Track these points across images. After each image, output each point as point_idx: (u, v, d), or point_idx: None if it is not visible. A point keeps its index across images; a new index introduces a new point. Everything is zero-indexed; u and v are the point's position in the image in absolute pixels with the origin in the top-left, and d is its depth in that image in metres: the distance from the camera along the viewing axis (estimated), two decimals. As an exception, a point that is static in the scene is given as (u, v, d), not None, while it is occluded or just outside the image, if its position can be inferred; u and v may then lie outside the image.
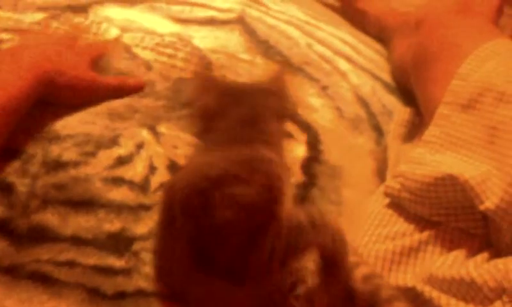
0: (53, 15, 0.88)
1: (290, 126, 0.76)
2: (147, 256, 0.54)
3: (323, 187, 0.72)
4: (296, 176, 0.71)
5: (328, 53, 0.93)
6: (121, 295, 0.51)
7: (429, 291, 0.53)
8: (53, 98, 0.65)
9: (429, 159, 0.63)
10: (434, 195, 0.59)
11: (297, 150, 0.74)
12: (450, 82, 0.68)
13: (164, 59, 0.82)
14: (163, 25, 0.90)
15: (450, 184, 0.58)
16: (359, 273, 0.51)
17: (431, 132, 0.66)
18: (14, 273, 0.50)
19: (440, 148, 0.64)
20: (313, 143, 0.75)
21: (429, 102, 0.72)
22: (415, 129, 0.80)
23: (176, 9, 0.95)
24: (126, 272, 0.52)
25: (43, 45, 0.68)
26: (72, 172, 0.59)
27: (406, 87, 0.89)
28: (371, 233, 0.62)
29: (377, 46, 1.05)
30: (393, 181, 0.65)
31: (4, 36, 0.80)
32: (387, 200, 0.65)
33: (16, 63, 0.61)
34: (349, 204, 0.71)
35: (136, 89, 0.75)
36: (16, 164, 0.57)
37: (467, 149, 0.62)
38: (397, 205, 0.64)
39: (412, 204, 0.62)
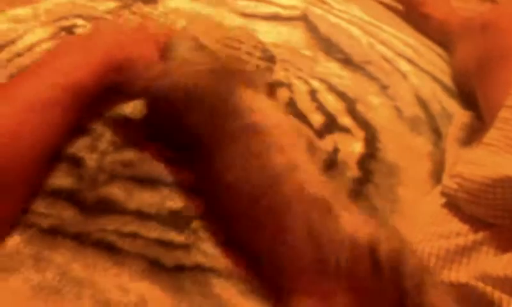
0: (125, 4, 0.92)
1: (348, 122, 0.77)
2: (205, 234, 0.56)
3: (378, 184, 0.72)
4: (352, 171, 0.72)
5: (389, 54, 0.93)
6: (180, 268, 0.53)
7: (482, 287, 0.53)
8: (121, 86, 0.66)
9: (488, 161, 0.63)
10: (492, 196, 0.59)
11: (354, 146, 0.75)
12: (514, 86, 0.67)
13: (230, 51, 0.84)
14: (229, 19, 0.92)
15: (508, 186, 0.58)
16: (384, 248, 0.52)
17: (492, 134, 0.66)
18: (81, 239, 0.53)
19: (499, 151, 0.64)
20: (371, 140, 0.76)
21: (491, 105, 0.71)
22: (474, 133, 0.79)
23: (241, 4, 0.97)
24: (185, 247, 0.55)
25: (115, 34, 0.70)
26: (139, 152, 0.62)
27: (466, 92, 0.88)
28: (426, 231, 0.62)
29: (439, 50, 1.05)
30: (450, 181, 0.65)
31: (78, 22, 0.85)
32: (443, 200, 0.65)
33: (88, 48, 0.63)
34: (404, 203, 0.71)
35: None
36: (86, 140, 0.60)
37: (528, 154, 0.61)
38: (452, 205, 0.64)
39: (468, 205, 0.62)
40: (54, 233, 0.52)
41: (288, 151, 0.58)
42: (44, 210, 0.54)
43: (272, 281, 0.54)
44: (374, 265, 0.51)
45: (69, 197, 0.56)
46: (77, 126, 0.61)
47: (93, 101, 0.61)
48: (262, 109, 0.60)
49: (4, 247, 0.51)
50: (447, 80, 0.93)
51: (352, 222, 0.54)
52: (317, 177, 0.58)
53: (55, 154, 0.58)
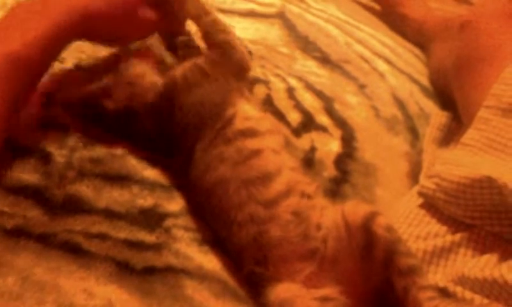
0: None
1: (325, 120, 0.75)
2: (178, 233, 0.54)
3: (355, 184, 0.71)
4: (329, 171, 0.71)
5: (367, 53, 0.92)
6: (150, 270, 0.51)
7: (461, 292, 0.52)
8: (90, 33, 0.59)
9: (467, 161, 0.62)
10: (470, 196, 0.58)
11: (331, 145, 0.73)
12: (492, 86, 0.67)
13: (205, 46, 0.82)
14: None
15: (487, 186, 0.57)
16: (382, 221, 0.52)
17: (470, 135, 0.65)
18: (46, 241, 0.50)
19: (478, 151, 0.63)
20: (348, 139, 0.75)
21: (470, 105, 0.71)
22: (451, 134, 0.79)
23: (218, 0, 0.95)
24: (156, 247, 0.53)
25: None
26: (109, 148, 0.59)
27: (443, 93, 0.88)
28: (403, 232, 0.61)
29: (416, 50, 1.04)
30: (428, 181, 0.64)
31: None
32: (420, 200, 0.64)
33: (38, 13, 0.54)
34: (381, 203, 0.70)
35: None
36: (55, 135, 0.58)
37: (507, 154, 0.60)
38: (430, 206, 0.63)
39: (446, 205, 0.61)
40: (18, 235, 0.49)
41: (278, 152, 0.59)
42: (8, 209, 0.51)
43: (253, 274, 0.53)
44: (367, 241, 0.52)
45: (35, 195, 0.53)
46: (21, 99, 0.55)
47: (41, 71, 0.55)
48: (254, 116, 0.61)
49: None
50: (424, 80, 0.93)
51: (339, 209, 0.56)
52: (302, 176, 0.59)
53: None
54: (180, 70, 0.62)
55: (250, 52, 0.83)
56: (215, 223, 0.56)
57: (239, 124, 0.58)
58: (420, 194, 0.65)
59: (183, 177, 0.59)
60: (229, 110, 0.59)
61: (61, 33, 0.55)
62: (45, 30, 0.53)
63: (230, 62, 0.64)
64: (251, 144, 0.57)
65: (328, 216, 0.55)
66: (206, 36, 0.67)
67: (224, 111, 0.59)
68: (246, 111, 0.60)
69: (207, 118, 0.59)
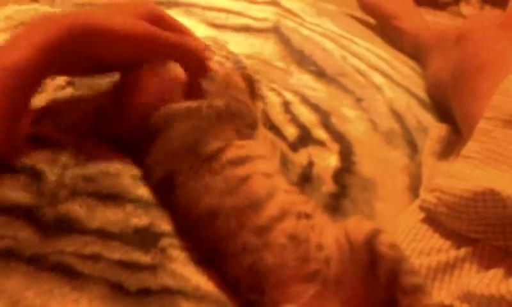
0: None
1: (322, 135, 0.74)
2: (174, 253, 0.52)
3: (355, 198, 0.70)
4: (327, 186, 0.69)
5: (363, 66, 0.92)
6: (145, 292, 0.49)
7: (468, 309, 0.51)
8: (88, 57, 0.55)
9: (468, 174, 0.61)
10: (473, 210, 0.57)
11: (329, 159, 0.72)
12: (492, 97, 0.65)
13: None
14: (199, 29, 0.89)
15: (490, 199, 0.56)
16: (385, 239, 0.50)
17: (471, 147, 0.64)
18: (37, 263, 0.48)
19: (480, 164, 0.62)
20: (346, 154, 0.73)
21: (469, 117, 0.69)
22: (450, 147, 0.78)
23: (212, 15, 0.95)
24: (151, 268, 0.51)
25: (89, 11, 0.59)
26: (102, 166, 0.57)
27: (441, 105, 0.87)
28: (405, 248, 0.60)
29: (412, 63, 1.04)
30: (429, 195, 0.63)
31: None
32: (422, 214, 0.63)
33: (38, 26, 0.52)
34: (382, 218, 0.69)
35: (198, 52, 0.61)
36: (46, 152, 0.56)
37: (509, 166, 0.59)
38: (432, 220, 0.62)
39: (449, 220, 0.59)
40: (7, 257, 0.47)
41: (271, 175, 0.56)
42: (-2, 229, 0.50)
43: (251, 302, 0.51)
44: (371, 260, 0.50)
45: (26, 214, 0.50)
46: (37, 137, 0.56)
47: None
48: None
49: None
50: (422, 93, 0.92)
51: (341, 227, 0.53)
52: (298, 196, 0.57)
53: None
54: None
55: (245, 67, 0.82)
56: (206, 254, 0.54)
57: (229, 154, 0.55)
58: (422, 208, 0.63)
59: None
60: (215, 144, 0.56)
61: (56, 48, 0.52)
62: (40, 46, 0.51)
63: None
64: (240, 171, 0.54)
65: (329, 235, 0.53)
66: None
67: (209, 145, 0.56)
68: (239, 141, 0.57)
69: (189, 149, 0.56)
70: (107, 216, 0.53)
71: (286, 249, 0.51)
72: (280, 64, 0.86)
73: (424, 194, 0.65)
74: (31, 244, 0.49)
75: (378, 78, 0.90)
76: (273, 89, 0.79)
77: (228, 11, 0.97)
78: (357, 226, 0.52)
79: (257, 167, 0.55)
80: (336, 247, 0.52)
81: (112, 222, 0.53)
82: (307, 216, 0.54)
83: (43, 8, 0.85)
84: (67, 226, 0.51)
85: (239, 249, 0.51)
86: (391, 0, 1.11)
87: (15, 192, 0.52)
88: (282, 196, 0.54)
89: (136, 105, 0.59)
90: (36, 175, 0.53)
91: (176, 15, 0.92)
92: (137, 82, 0.59)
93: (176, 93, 0.60)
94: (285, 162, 0.69)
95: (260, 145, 0.59)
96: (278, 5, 1.05)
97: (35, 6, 0.87)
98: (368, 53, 0.98)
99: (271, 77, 0.81)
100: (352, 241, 0.51)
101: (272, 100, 0.77)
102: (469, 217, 0.58)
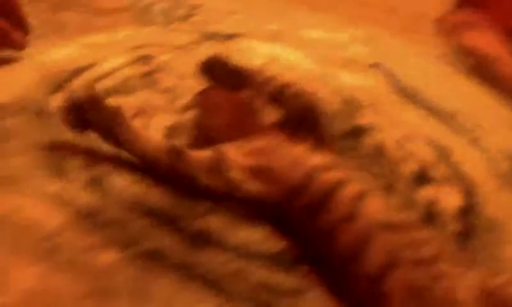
0: (198, 40, 0.90)
1: (442, 173, 0.71)
2: (314, 278, 0.50)
3: (482, 240, 0.66)
4: (452, 225, 0.66)
5: (474, 106, 0.89)
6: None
7: None
8: None
9: None
10: None
11: (451, 198, 0.69)
12: None
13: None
14: (305, 62, 0.89)
15: None
16: None
17: None
18: (183, 271, 0.46)
19: None
20: (468, 193, 0.70)
21: None
22: None
23: (316, 49, 0.95)
24: (296, 291, 0.48)
25: None
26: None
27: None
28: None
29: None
30: None
31: (154, 50, 0.82)
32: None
33: None
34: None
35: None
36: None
37: None
38: None
39: None
40: (155, 259, 0.47)
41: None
42: (143, 231, 0.49)
43: None
44: None
45: (169, 222, 0.50)
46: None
47: None
48: None
49: (97, 263, 0.45)
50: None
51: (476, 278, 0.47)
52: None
53: None
54: None
55: (356, 100, 0.81)
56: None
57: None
58: None
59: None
60: None
61: None
62: None
63: None
64: None
65: (465, 288, 0.46)
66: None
67: None
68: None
69: None
70: (245, 235, 0.52)
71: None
72: (392, 98, 0.84)
73: None
74: (177, 252, 0.48)
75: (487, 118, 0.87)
76: (387, 124, 0.77)
77: (332, 46, 0.97)
78: (493, 279, 0.46)
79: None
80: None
81: (252, 242, 0.51)
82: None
83: (157, 33, 0.87)
84: (209, 240, 0.50)
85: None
86: (492, 42, 1.08)
87: (155, 199, 0.52)
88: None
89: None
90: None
91: (281, 48, 0.93)
92: None
93: None
94: (405, 200, 0.67)
95: None
96: (376, 41, 1.05)
97: (149, 30, 0.89)
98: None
99: (383, 112, 0.80)
100: (489, 297, 0.46)
101: (388, 135, 0.75)
102: None
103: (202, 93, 0.60)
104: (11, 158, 0.55)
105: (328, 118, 0.75)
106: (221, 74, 0.54)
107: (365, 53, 0.97)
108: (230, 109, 0.58)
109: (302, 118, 0.54)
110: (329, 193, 0.49)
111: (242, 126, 0.57)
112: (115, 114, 0.54)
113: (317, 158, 0.52)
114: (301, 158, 0.52)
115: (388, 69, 0.92)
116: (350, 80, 0.86)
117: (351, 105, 0.79)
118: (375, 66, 0.93)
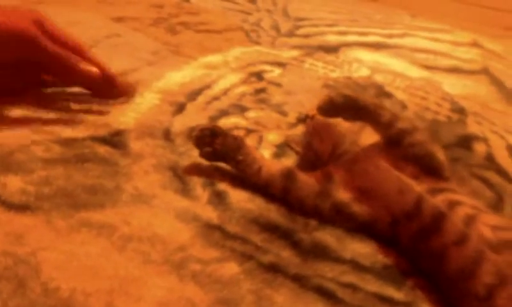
0: (307, 53, 0.92)
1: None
2: (423, 293, 0.52)
3: None
4: None
5: None
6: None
7: None
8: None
9: None
10: None
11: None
12: None
13: (417, 100, 0.81)
14: (410, 70, 0.90)
15: None
16: None
17: None
18: (300, 282, 0.50)
19: None
20: None
21: None
22: None
23: (420, 56, 0.95)
24: (406, 305, 0.50)
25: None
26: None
27: None
28: None
29: None
30: None
31: (266, 67, 0.86)
32: None
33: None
34: None
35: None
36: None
37: None
38: None
39: None
40: (274, 271, 0.50)
41: None
42: (261, 244, 0.53)
43: None
44: None
45: (284, 236, 0.54)
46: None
47: None
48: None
49: (222, 274, 0.49)
50: None
51: None
52: None
53: None
54: None
55: (463, 108, 0.80)
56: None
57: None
58: None
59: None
60: None
61: None
62: None
63: None
64: None
65: None
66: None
67: None
68: None
69: None
70: (357, 248, 0.55)
71: None
72: (497, 106, 0.83)
73: None
74: (293, 264, 0.51)
75: None
76: (495, 132, 0.77)
77: (436, 53, 0.97)
78: None
79: None
80: None
81: (363, 255, 0.54)
82: None
83: (266, 50, 0.91)
84: (323, 253, 0.53)
85: None
86: None
87: (272, 214, 0.57)
88: None
89: None
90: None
91: (387, 56, 0.94)
92: None
93: None
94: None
95: None
96: (481, 46, 1.03)
97: (258, 47, 0.93)
98: None
99: (490, 119, 0.79)
100: None
101: (496, 143, 0.74)
102: None
103: (313, 118, 0.64)
104: (141, 178, 0.60)
105: (438, 125, 0.76)
106: (340, 109, 0.57)
107: (470, 58, 0.95)
108: (335, 138, 0.62)
109: (420, 164, 0.56)
110: (441, 217, 0.51)
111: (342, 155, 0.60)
112: (239, 144, 0.60)
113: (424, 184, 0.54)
114: (408, 182, 0.54)
115: (495, 75, 0.91)
116: (457, 87, 0.86)
117: (460, 112, 0.79)
118: (482, 72, 0.92)
